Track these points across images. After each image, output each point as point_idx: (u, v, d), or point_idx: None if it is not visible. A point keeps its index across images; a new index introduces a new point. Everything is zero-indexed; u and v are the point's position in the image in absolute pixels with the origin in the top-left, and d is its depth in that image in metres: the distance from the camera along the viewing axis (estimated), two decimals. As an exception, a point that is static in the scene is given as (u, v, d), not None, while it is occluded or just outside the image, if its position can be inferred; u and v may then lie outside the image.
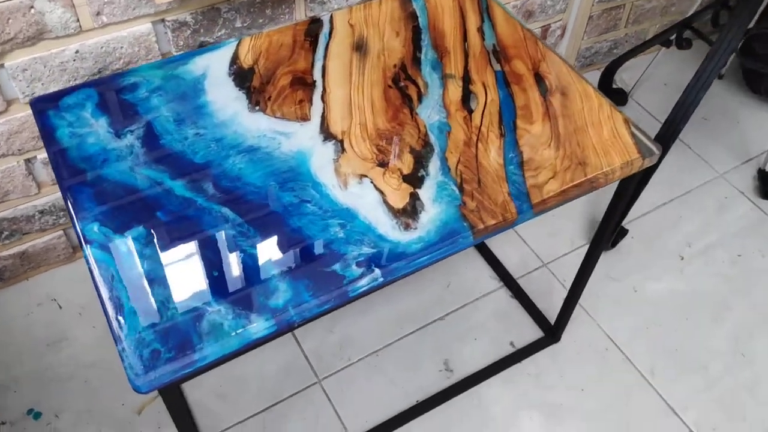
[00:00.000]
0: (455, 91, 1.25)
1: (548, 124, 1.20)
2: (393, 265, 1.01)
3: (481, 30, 1.36)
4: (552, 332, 1.69)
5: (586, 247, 1.90)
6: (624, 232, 1.90)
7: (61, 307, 1.72)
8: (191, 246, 1.02)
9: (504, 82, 1.27)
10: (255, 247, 1.02)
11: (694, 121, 2.28)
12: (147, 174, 1.10)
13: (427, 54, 1.31)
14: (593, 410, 1.60)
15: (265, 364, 1.64)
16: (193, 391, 1.60)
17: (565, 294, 1.80)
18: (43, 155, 1.55)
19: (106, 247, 1.01)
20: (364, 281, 1.00)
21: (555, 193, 1.11)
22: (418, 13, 1.39)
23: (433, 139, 1.17)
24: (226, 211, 1.06)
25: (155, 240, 1.02)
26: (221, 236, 1.03)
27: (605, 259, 1.88)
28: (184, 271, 0.99)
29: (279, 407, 1.57)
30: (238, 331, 0.93)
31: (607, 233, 1.39)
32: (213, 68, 1.26)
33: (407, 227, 1.05)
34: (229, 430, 1.54)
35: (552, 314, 1.75)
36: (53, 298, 1.73)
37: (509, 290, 1.80)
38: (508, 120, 1.21)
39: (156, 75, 1.24)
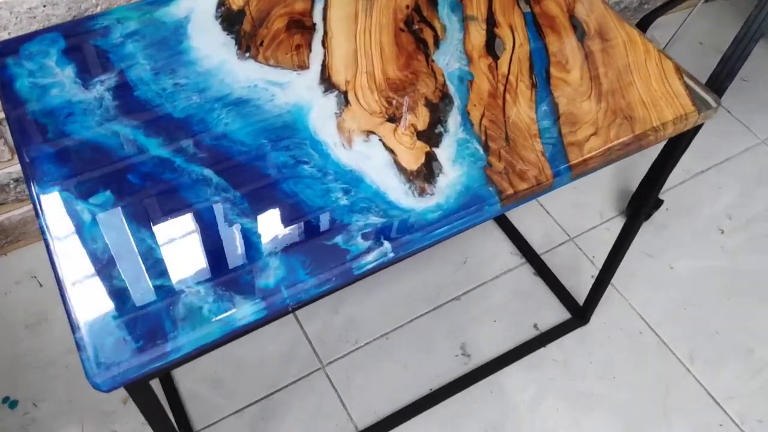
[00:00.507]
0: (478, 35, 1.07)
1: (587, 72, 1.03)
2: (405, 237, 0.85)
3: (506, -32, 1.18)
4: (580, 314, 1.53)
5: (617, 220, 1.73)
6: (659, 203, 1.73)
7: (41, 285, 1.57)
8: (166, 215, 0.86)
9: (534, 25, 1.09)
10: (242, 217, 0.86)
11: (732, 82, 2.09)
12: (117, 130, 0.93)
13: (444, -6, 1.13)
14: (626, 401, 1.44)
15: (263, 348, 1.48)
16: (184, 378, 1.45)
17: (593, 271, 1.63)
18: (13, 116, 1.38)
19: (66, 216, 0.85)
20: (371, 256, 0.83)
21: (598, 153, 0.94)
22: (434, -50, 1.21)
23: (452, 90, 1.00)
24: (208, 173, 0.90)
25: (124, 208, 0.86)
26: (202, 203, 0.87)
27: (638, 233, 1.70)
28: (158, 246, 0.83)
29: (278, 396, 1.42)
30: (220, 317, 0.77)
31: (649, 203, 1.22)
32: (198, 10, 1.09)
33: (422, 192, 0.89)
34: (223, 421, 1.39)
35: (579, 293, 1.58)
36: (33, 275, 1.58)
37: (532, 267, 1.64)
38: (540, 68, 1.03)
39: (132, 18, 1.07)
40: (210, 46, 1.04)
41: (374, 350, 1.49)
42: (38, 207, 0.86)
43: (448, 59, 1.04)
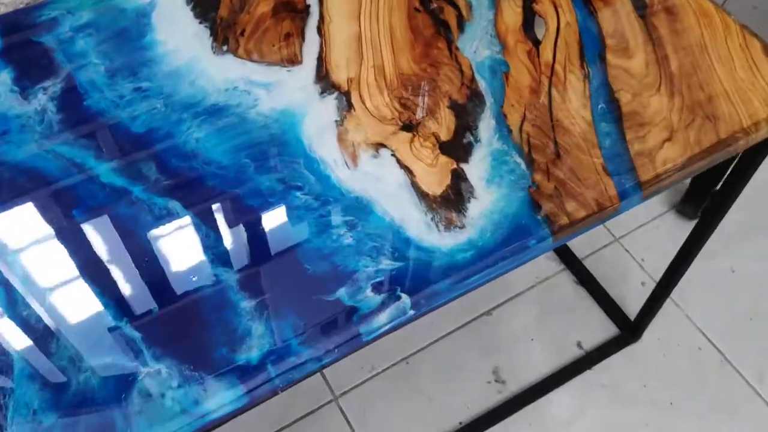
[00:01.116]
0: (513, 12, 0.86)
1: (653, 58, 0.81)
2: (430, 288, 0.65)
3: (544, -74, 0.96)
4: (630, 329, 1.33)
5: (668, 216, 1.51)
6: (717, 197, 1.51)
7: None
8: (119, 264, 0.67)
9: (583, -2, 0.88)
10: (215, 265, 0.66)
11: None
12: (62, 152, 0.74)
13: (468, -37, 0.92)
14: (687, 431, 1.24)
15: (267, 377, 1.30)
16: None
17: (644, 277, 1.43)
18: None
19: (-11, 269, 0.66)
20: (384, 316, 0.64)
21: (675, 166, 0.73)
22: None
23: (483, 85, 0.79)
24: (174, 206, 0.70)
25: (68, 256, 0.67)
26: (165, 246, 0.68)
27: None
28: (109, 307, 0.64)
29: (286, 432, 1.25)
30: (187, 408, 0.58)
31: (728, 203, 1.01)
32: (164, -6, 0.88)
33: (449, 225, 0.69)
34: (223, 464, 1.22)
35: (628, 304, 1.38)
36: None
37: (573, 274, 1.43)
38: (593, 53, 0.82)
39: (84, 6, 0.87)
40: (179, 38, 0.84)
41: (393, 377, 1.30)
42: (-42, 257, 0.67)
43: (475, 45, 0.83)
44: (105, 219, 0.70)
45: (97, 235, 0.68)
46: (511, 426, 1.25)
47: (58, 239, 0.68)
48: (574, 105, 0.77)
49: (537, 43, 0.83)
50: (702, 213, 1.10)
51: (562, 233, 0.69)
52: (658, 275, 1.34)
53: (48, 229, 0.69)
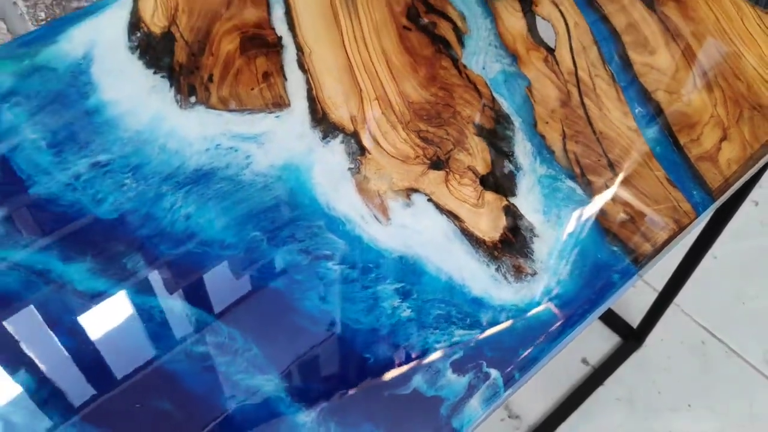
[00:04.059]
0: (513, 19, 0.76)
1: (677, 50, 0.74)
2: (519, 355, 0.54)
3: None
4: (635, 335, 1.26)
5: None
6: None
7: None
8: (126, 399, 0.51)
9: (582, -5, 0.79)
10: (254, 374, 0.52)
11: None
12: (16, 261, 0.57)
13: (447, -30, 0.81)
14: (714, 430, 1.19)
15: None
16: None
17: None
18: None
19: (-51, 437, 0.49)
20: (476, 402, 0.52)
21: (739, 165, 0.65)
22: None
23: (505, 104, 0.69)
24: (180, 308, 0.55)
25: (54, 397, 0.51)
26: (181, 365, 0.53)
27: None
28: (124, 458, 0.48)
29: None
30: None
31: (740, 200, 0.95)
32: (101, 42, 0.73)
33: (520, 274, 0.57)
34: None
35: (626, 310, 1.31)
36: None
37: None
38: (612, 53, 0.74)
39: (2, 69, 0.70)
40: (132, 95, 0.68)
41: None
42: None
43: (483, 60, 0.73)
44: (97, 339, 0.54)
45: (90, 365, 0.53)
46: (536, 463, 1.15)
47: (43, 379, 0.52)
48: (613, 113, 0.68)
49: (550, 49, 0.73)
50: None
51: (645, 261, 0.59)
52: (653, 278, 1.29)
53: (25, 367, 0.52)
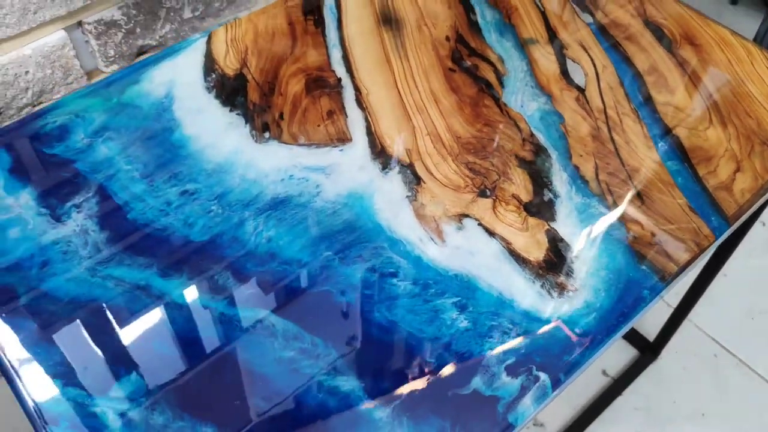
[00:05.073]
0: (547, 61, 0.85)
1: (694, 90, 0.83)
2: (563, 360, 0.62)
3: (546, -28, 0.96)
4: (652, 348, 1.34)
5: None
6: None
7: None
8: (231, 398, 0.60)
9: (606, 38, 0.88)
10: (334, 376, 0.60)
11: None
12: (120, 276, 0.66)
13: (485, 14, 0.90)
14: (724, 438, 1.26)
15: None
16: None
17: (645, 293, 1.44)
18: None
19: (86, 427, 0.57)
20: (528, 400, 0.60)
21: (752, 194, 0.73)
22: (450, -38, 0.97)
23: (542, 139, 0.78)
24: (267, 317, 0.64)
25: (163, 395, 0.59)
26: (272, 367, 0.61)
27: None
28: (230, 447, 0.57)
29: None
30: None
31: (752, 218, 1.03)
32: (180, 83, 0.82)
33: (563, 290, 0.66)
34: None
35: (642, 324, 1.39)
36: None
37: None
38: (636, 92, 0.82)
39: (93, 107, 0.79)
40: (212, 130, 0.77)
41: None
42: (37, 418, 0.58)
43: (521, 99, 0.81)
44: (194, 346, 0.62)
45: (194, 370, 0.61)
46: (560, 468, 1.23)
47: (151, 379, 0.60)
48: (639, 147, 0.77)
49: (581, 89, 0.82)
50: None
51: (671, 279, 0.67)
52: (668, 295, 1.36)
53: (136, 371, 0.61)
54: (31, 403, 0.59)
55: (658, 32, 0.89)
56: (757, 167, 0.75)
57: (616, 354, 1.36)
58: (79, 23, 0.98)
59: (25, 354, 0.61)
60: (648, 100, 0.81)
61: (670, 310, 1.28)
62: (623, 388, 1.31)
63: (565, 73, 0.84)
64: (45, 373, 0.60)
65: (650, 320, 1.36)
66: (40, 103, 1.02)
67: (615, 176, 0.74)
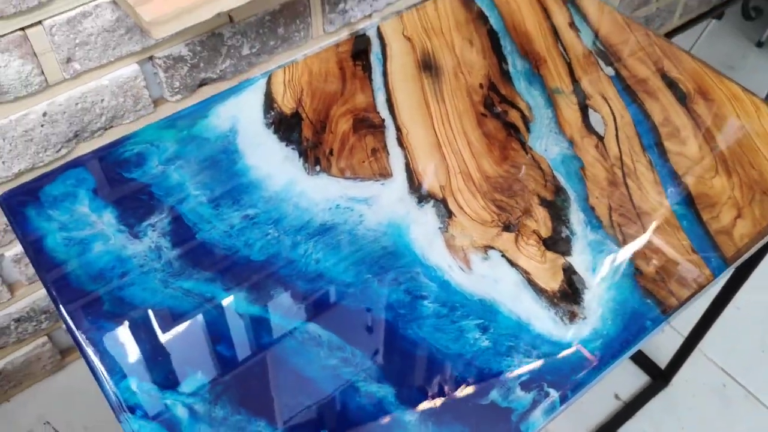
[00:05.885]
0: (570, 110, 0.95)
1: (704, 142, 0.91)
2: (571, 379, 0.71)
3: (573, 26, 1.06)
4: (663, 375, 1.41)
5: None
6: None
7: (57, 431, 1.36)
8: (283, 396, 0.69)
9: (627, 91, 0.97)
10: (369, 382, 0.70)
11: None
12: (190, 288, 0.76)
13: (516, 64, 1.00)
14: (730, 465, 1.33)
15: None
16: None
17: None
18: (12, 251, 1.18)
19: (157, 416, 0.67)
20: (538, 413, 0.69)
21: (750, 239, 0.82)
22: (486, 13, 1.08)
23: (563, 181, 0.87)
24: (314, 329, 0.74)
25: (226, 392, 0.69)
26: (318, 371, 0.71)
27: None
28: (281, 439, 0.66)
29: None
30: None
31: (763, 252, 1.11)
32: (243, 119, 0.93)
33: (573, 318, 0.75)
34: None
35: (655, 352, 1.46)
36: (46, 420, 1.37)
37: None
38: (651, 142, 0.91)
39: (167, 138, 0.90)
40: (270, 162, 0.88)
41: None
42: (119, 406, 0.68)
43: (545, 144, 0.91)
44: (252, 349, 0.72)
45: (252, 371, 0.71)
46: (571, 484, 1.30)
47: (216, 379, 0.70)
48: (650, 193, 0.85)
49: (600, 137, 0.91)
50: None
51: (672, 312, 0.76)
52: (680, 324, 1.44)
53: (199, 371, 0.71)
54: (112, 394, 0.69)
55: (674, 86, 0.97)
56: (757, 214, 0.83)
57: (629, 379, 1.44)
58: (151, 57, 1.10)
59: (106, 351, 0.72)
60: (660, 149, 0.90)
61: (682, 339, 1.36)
62: (634, 412, 1.38)
63: (586, 121, 0.93)
64: (123, 368, 0.71)
65: (663, 349, 1.43)
66: (111, 127, 1.14)
67: (626, 217, 0.83)
